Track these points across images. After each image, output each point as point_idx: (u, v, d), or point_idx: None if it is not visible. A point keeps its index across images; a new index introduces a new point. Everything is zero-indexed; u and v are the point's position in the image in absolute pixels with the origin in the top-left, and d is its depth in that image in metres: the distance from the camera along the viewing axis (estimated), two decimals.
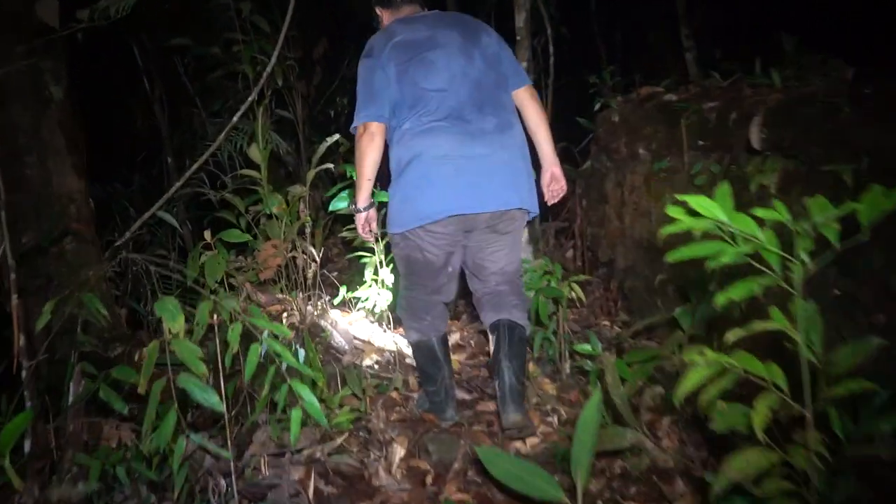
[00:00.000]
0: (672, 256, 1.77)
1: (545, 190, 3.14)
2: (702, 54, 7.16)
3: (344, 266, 5.98)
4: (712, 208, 1.68)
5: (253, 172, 3.56)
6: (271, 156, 3.82)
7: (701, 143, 4.00)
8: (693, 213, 1.81)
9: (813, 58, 4.23)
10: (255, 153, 3.56)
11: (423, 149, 2.74)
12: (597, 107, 4.84)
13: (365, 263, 4.32)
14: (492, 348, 3.02)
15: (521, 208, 2.88)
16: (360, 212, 3.01)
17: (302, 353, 2.55)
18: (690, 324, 3.47)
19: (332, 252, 6.36)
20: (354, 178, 2.94)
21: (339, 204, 4.08)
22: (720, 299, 1.64)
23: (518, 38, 4.45)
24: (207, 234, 3.29)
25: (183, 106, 5.68)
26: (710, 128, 3.92)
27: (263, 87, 4.47)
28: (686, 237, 1.76)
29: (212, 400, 2.09)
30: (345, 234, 4.23)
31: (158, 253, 4.32)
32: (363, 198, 2.95)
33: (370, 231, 3.13)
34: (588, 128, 5.01)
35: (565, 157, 6.03)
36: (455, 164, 2.73)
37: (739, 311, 2.58)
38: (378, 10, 3.13)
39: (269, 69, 3.92)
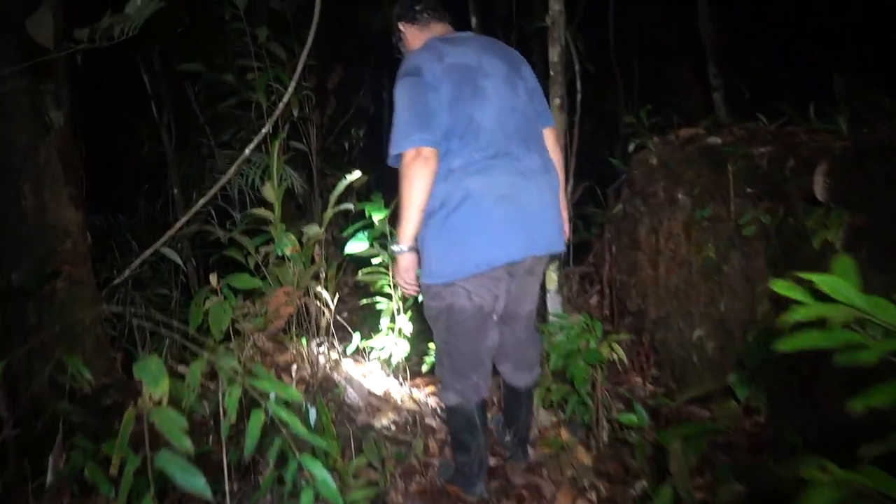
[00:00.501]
0: (786, 345, 1.45)
1: None
2: (728, 93, 6.92)
3: (355, 307, 5.66)
4: (844, 290, 1.36)
5: (266, 213, 3.26)
6: (284, 192, 3.51)
7: (749, 190, 3.70)
8: (806, 287, 1.48)
9: (865, 98, 3.96)
10: (270, 192, 3.25)
11: (478, 188, 2.51)
12: (631, 147, 4.54)
13: (381, 310, 4.01)
14: (503, 398, 3.20)
15: (556, 252, 2.81)
16: (405, 252, 2.62)
17: (313, 413, 2.22)
18: (747, 394, 3.16)
19: (344, 291, 6.05)
20: (399, 211, 2.58)
21: (357, 246, 3.78)
22: (857, 405, 1.31)
23: (552, 73, 4.17)
24: (213, 279, 2.97)
25: (192, 133, 5.40)
26: (761, 174, 3.62)
27: (278, 119, 4.19)
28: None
29: (196, 484, 1.75)
30: (361, 278, 3.92)
31: (160, 292, 4.00)
32: (409, 235, 2.57)
33: (412, 281, 2.72)
34: (620, 169, 4.71)
35: (590, 198, 5.75)
36: (511, 207, 2.54)
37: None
38: (402, 26, 2.87)
39: (285, 99, 3.63)
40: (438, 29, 2.81)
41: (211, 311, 2.92)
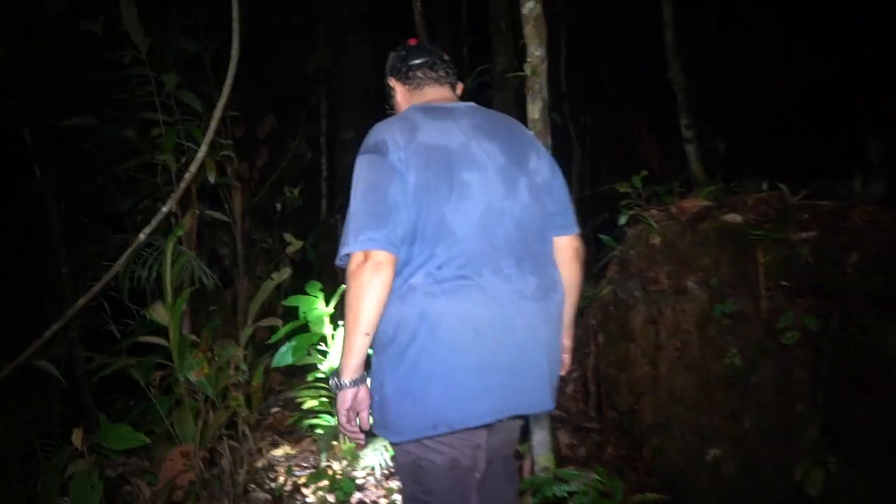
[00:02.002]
0: None
1: None
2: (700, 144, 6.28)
3: (289, 403, 4.72)
4: None
5: (156, 339, 2.35)
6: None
7: (785, 284, 2.96)
8: None
9: None
10: (160, 312, 2.35)
11: (442, 318, 1.90)
12: (622, 220, 3.79)
13: (321, 434, 3.13)
14: None
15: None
16: (346, 388, 1.92)
17: None
18: None
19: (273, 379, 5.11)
20: (344, 334, 1.94)
21: (286, 358, 2.91)
22: None
23: (532, 128, 3.39)
24: (77, 437, 2.04)
25: (87, 201, 4.40)
26: (803, 266, 2.89)
27: (190, 187, 3.31)
28: None
29: None
30: (298, 397, 3.04)
31: (25, 417, 3.01)
32: (352, 366, 1.91)
33: (355, 428, 2.00)
34: (610, 245, 3.94)
35: None
36: (487, 348, 1.91)
37: None
38: (391, 82, 2.31)
39: (193, 168, 2.76)
40: (434, 94, 2.23)
41: (72, 487, 1.99)
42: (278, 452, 4.18)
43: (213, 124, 3.00)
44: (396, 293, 1.92)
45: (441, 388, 1.89)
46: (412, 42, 2.34)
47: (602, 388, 4.19)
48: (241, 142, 6.61)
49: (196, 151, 3.40)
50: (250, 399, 3.25)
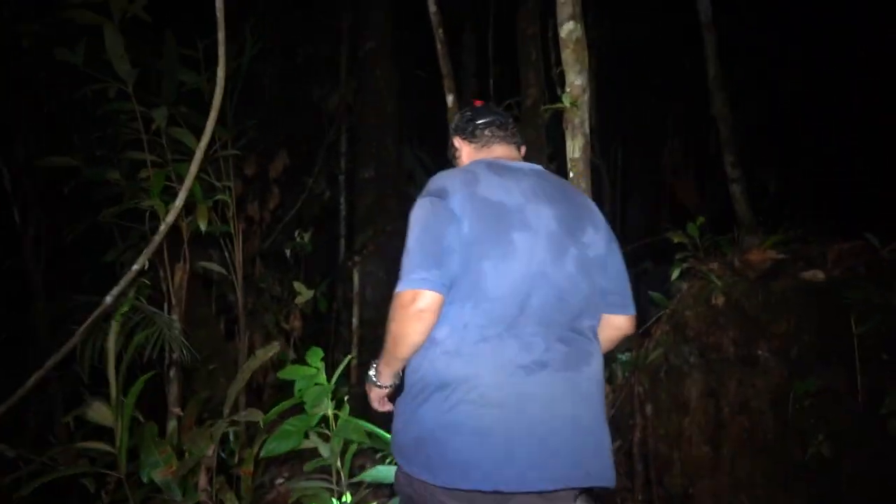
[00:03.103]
0: None
1: None
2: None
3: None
4: None
5: (98, 446, 1.85)
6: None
7: (888, 357, 2.42)
8: None
9: None
10: (101, 412, 1.85)
11: (457, 375, 1.89)
12: (676, 274, 3.26)
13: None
14: None
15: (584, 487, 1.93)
16: (381, 389, 2.15)
17: None
18: None
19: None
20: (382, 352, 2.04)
21: (277, 447, 2.42)
22: None
23: (571, 173, 2.91)
24: None
25: (71, 250, 3.94)
26: None
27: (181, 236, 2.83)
28: None
29: None
30: (294, 490, 2.54)
31: None
32: (389, 375, 2.12)
33: (386, 408, 2.18)
34: (661, 304, 3.41)
35: None
36: (499, 411, 1.86)
37: None
38: (457, 142, 2.32)
39: (170, 218, 2.29)
40: (500, 151, 2.24)
41: None
42: None
43: (195, 167, 2.55)
44: (424, 344, 1.95)
45: (451, 442, 1.86)
46: (478, 103, 2.35)
47: (651, 466, 3.63)
48: (251, 182, 6.21)
49: (187, 194, 2.94)
50: (240, 490, 2.75)
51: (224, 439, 3.16)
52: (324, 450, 2.56)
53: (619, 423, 4.37)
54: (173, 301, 3.32)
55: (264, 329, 5.39)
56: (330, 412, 2.50)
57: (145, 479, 2.07)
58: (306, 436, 2.59)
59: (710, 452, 3.28)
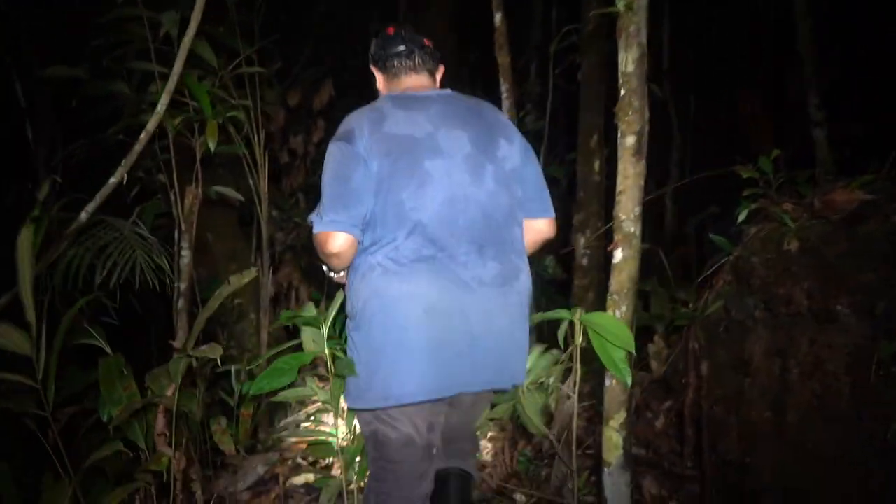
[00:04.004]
0: None
1: None
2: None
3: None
4: None
5: (11, 376, 1.54)
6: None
7: None
8: None
9: None
10: (14, 338, 1.54)
11: (395, 297, 2.06)
12: (742, 215, 2.84)
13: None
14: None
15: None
16: (337, 274, 2.31)
17: None
18: None
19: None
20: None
21: (272, 382, 2.18)
22: None
23: (623, 90, 2.49)
24: None
25: (80, 167, 3.66)
26: None
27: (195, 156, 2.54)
28: None
29: None
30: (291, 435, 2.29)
31: None
32: (339, 277, 2.32)
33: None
34: (723, 249, 2.99)
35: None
36: (439, 327, 2.05)
37: None
38: (373, 70, 2.42)
39: (151, 126, 2.01)
40: (410, 82, 2.34)
41: None
42: (299, 480, 3.46)
43: (179, 64, 2.22)
44: (360, 272, 2.12)
45: (389, 364, 2.04)
46: (390, 31, 2.36)
47: (704, 431, 3.24)
48: (295, 112, 5.97)
49: (199, 112, 2.65)
50: (237, 432, 2.50)
51: (223, 379, 2.92)
52: (321, 393, 2.28)
53: (670, 382, 3.99)
54: (182, 227, 3.05)
55: (298, 265, 5.16)
56: (327, 352, 2.20)
57: (105, 419, 1.82)
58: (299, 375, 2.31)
59: (773, 419, 2.88)
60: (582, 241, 4.65)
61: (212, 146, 2.91)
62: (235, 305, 4.30)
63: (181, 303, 3.10)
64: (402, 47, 2.31)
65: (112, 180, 2.14)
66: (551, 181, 6.05)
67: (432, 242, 2.06)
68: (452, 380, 2.08)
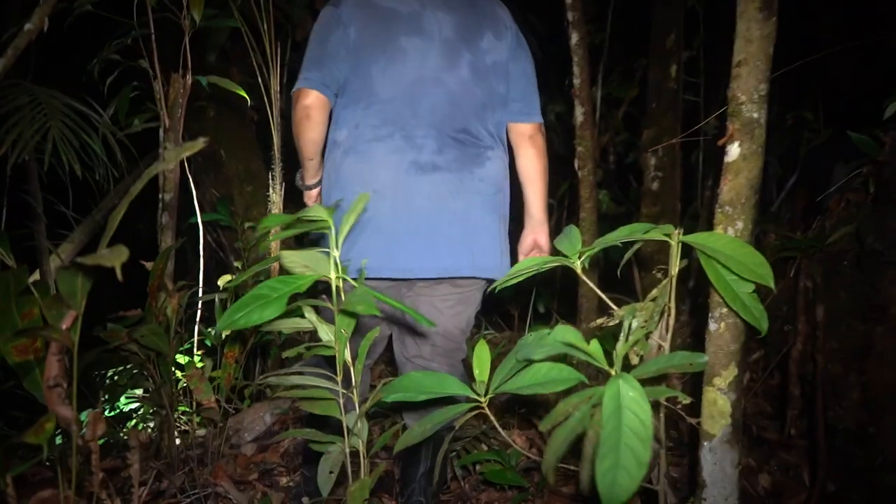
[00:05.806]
0: None
1: (521, 258, 2.38)
2: None
3: None
4: None
5: None
6: None
7: None
8: None
9: None
10: None
11: (348, 178, 2.09)
12: (892, 110, 2.13)
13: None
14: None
15: (473, 277, 2.17)
16: (310, 189, 2.31)
17: None
18: None
19: None
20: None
21: (250, 316, 1.55)
22: None
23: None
24: None
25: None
26: None
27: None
28: None
29: None
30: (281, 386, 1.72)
31: None
32: (309, 175, 2.28)
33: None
34: (868, 153, 2.28)
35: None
36: (391, 205, 2.06)
37: None
38: None
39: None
40: None
41: None
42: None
43: None
44: (328, 145, 2.17)
45: (347, 244, 2.04)
46: None
47: (817, 391, 2.57)
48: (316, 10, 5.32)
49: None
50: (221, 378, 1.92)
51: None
52: (322, 331, 1.66)
53: (770, 330, 3.32)
54: (167, 123, 2.43)
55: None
56: (333, 277, 1.57)
57: None
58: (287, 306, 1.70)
59: None
60: (653, 161, 3.93)
61: (197, 18, 2.26)
62: (246, 229, 3.74)
63: (164, 217, 2.51)
64: None
65: (28, 25, 1.53)
66: (617, 103, 5.21)
67: (392, 121, 2.06)
68: (405, 263, 2.05)
